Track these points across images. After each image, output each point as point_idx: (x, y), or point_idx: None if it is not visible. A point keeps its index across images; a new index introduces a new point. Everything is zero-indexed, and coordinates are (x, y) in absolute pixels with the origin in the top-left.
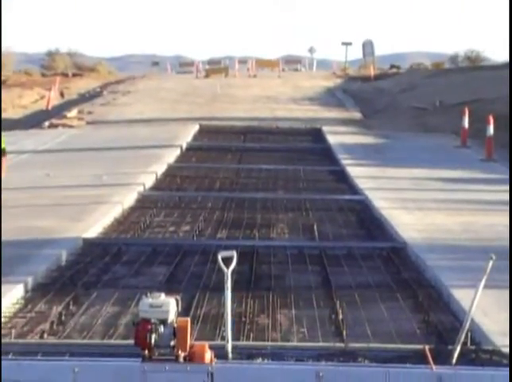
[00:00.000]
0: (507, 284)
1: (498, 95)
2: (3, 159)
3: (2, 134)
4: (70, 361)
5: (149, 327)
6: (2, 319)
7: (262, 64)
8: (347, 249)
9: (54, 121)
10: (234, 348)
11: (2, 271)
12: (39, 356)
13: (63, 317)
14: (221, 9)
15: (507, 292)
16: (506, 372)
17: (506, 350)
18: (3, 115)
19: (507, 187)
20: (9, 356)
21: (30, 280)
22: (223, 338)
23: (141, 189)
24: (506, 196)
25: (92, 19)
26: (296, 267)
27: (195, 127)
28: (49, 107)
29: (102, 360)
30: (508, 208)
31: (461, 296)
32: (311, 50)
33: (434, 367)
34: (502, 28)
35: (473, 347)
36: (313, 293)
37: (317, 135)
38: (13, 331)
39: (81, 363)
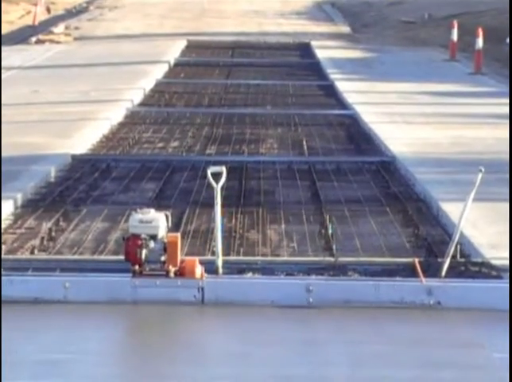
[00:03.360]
0: (497, 197)
1: (487, 7)
2: None
3: None
4: (61, 277)
5: (139, 242)
6: None
7: None
8: (336, 164)
9: (41, 37)
10: (224, 263)
11: None
12: (29, 272)
13: (53, 233)
14: None
15: (497, 205)
16: (494, 284)
17: (496, 262)
18: None
19: (496, 100)
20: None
21: (19, 196)
22: (214, 253)
23: (129, 105)
24: (496, 110)
25: None
26: (285, 182)
27: (183, 43)
28: (36, 23)
29: (93, 276)
30: (499, 120)
31: (450, 209)
32: None
33: (424, 280)
34: None
35: (462, 260)
36: (303, 208)
37: (306, 50)
38: (3, 247)
39: (72, 278)
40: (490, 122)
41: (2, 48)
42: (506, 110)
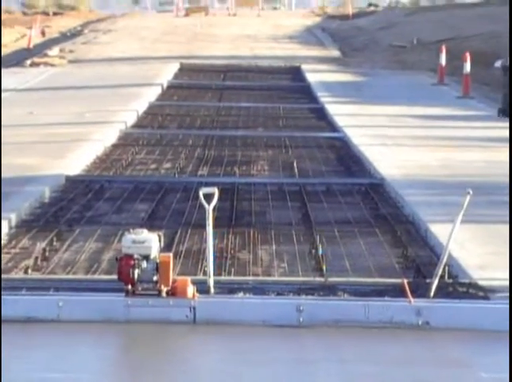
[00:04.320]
0: (486, 219)
1: (474, 32)
2: None
3: None
4: (54, 296)
5: (132, 262)
6: None
7: (242, 2)
8: (326, 185)
9: (36, 59)
10: (216, 282)
11: None
12: (23, 292)
13: (47, 253)
14: None
15: (485, 226)
16: (482, 304)
17: (483, 283)
18: None
19: (485, 124)
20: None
21: (13, 217)
22: (205, 273)
23: (122, 126)
24: (485, 133)
25: None
26: (276, 204)
27: (176, 66)
28: (31, 46)
29: (87, 295)
30: (488, 143)
31: (439, 231)
32: None
33: (412, 300)
34: None
35: (450, 280)
36: (293, 229)
37: (297, 73)
38: None
39: (65, 298)
40: (479, 145)
41: None
42: (495, 133)
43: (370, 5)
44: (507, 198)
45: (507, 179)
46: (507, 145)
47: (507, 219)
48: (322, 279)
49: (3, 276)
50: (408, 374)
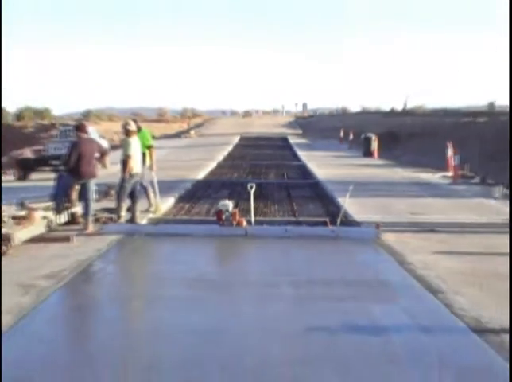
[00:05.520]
0: (359, 196)
1: (354, 123)
2: (153, 150)
3: (150, 135)
4: (192, 224)
5: (222, 213)
6: (167, 209)
7: (265, 113)
8: (297, 183)
9: (185, 135)
10: (255, 220)
11: (167, 192)
12: (179, 223)
13: (190, 209)
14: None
15: (359, 199)
16: (359, 228)
17: (358, 220)
18: (168, 132)
19: (358, 158)
20: (170, 224)
21: (177, 195)
22: (250, 216)
23: (218, 160)
24: (358, 162)
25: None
26: (277, 190)
27: (238, 137)
28: (183, 129)
29: (204, 225)
30: (361, 166)
31: (341, 200)
32: (283, 107)
33: (330, 227)
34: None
35: (345, 219)
36: (284, 200)
37: (285, 139)
38: (171, 216)
39: (196, 226)
40: (356, 167)
41: (169, 140)
42: (363, 162)
43: (314, 113)
44: (369, 187)
45: (371, 179)
46: (368, 167)
47: (369, 196)
48: (295, 218)
49: (173, 218)
50: (329, 256)
